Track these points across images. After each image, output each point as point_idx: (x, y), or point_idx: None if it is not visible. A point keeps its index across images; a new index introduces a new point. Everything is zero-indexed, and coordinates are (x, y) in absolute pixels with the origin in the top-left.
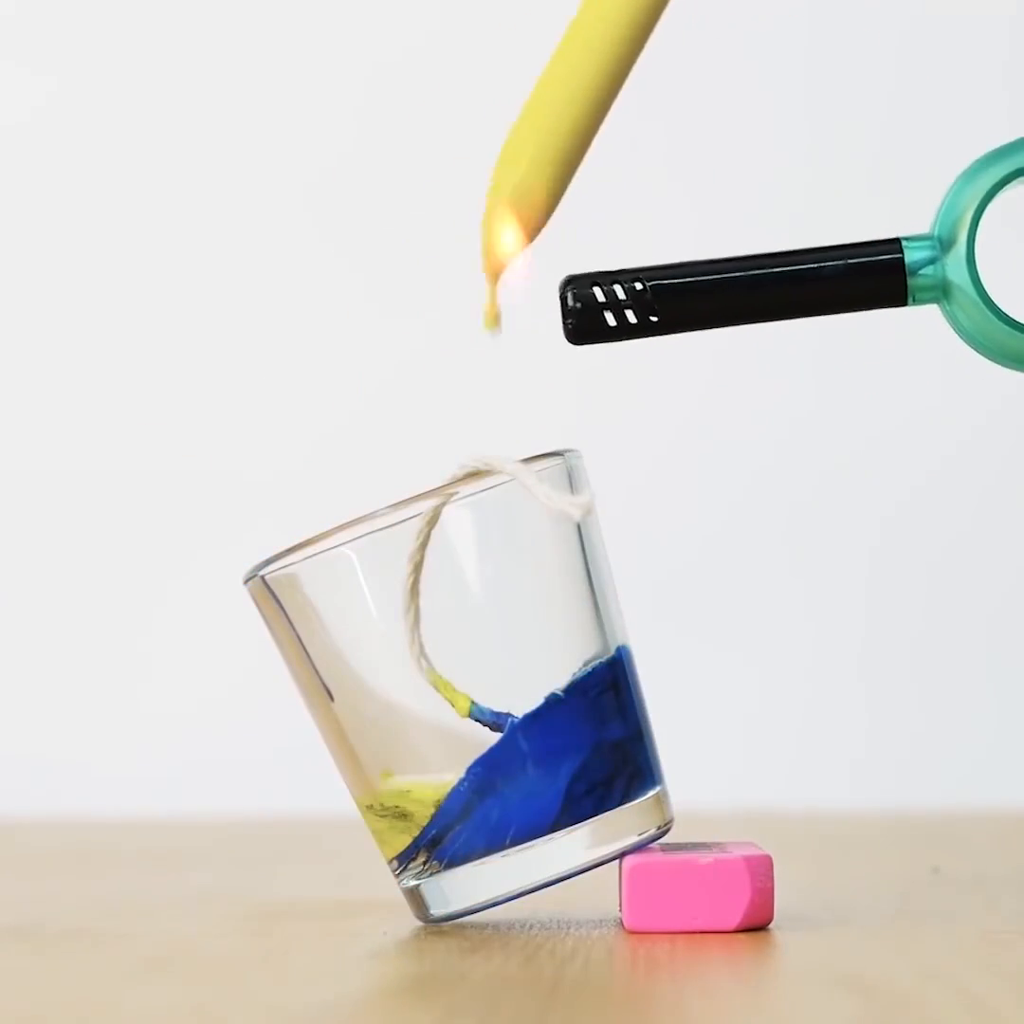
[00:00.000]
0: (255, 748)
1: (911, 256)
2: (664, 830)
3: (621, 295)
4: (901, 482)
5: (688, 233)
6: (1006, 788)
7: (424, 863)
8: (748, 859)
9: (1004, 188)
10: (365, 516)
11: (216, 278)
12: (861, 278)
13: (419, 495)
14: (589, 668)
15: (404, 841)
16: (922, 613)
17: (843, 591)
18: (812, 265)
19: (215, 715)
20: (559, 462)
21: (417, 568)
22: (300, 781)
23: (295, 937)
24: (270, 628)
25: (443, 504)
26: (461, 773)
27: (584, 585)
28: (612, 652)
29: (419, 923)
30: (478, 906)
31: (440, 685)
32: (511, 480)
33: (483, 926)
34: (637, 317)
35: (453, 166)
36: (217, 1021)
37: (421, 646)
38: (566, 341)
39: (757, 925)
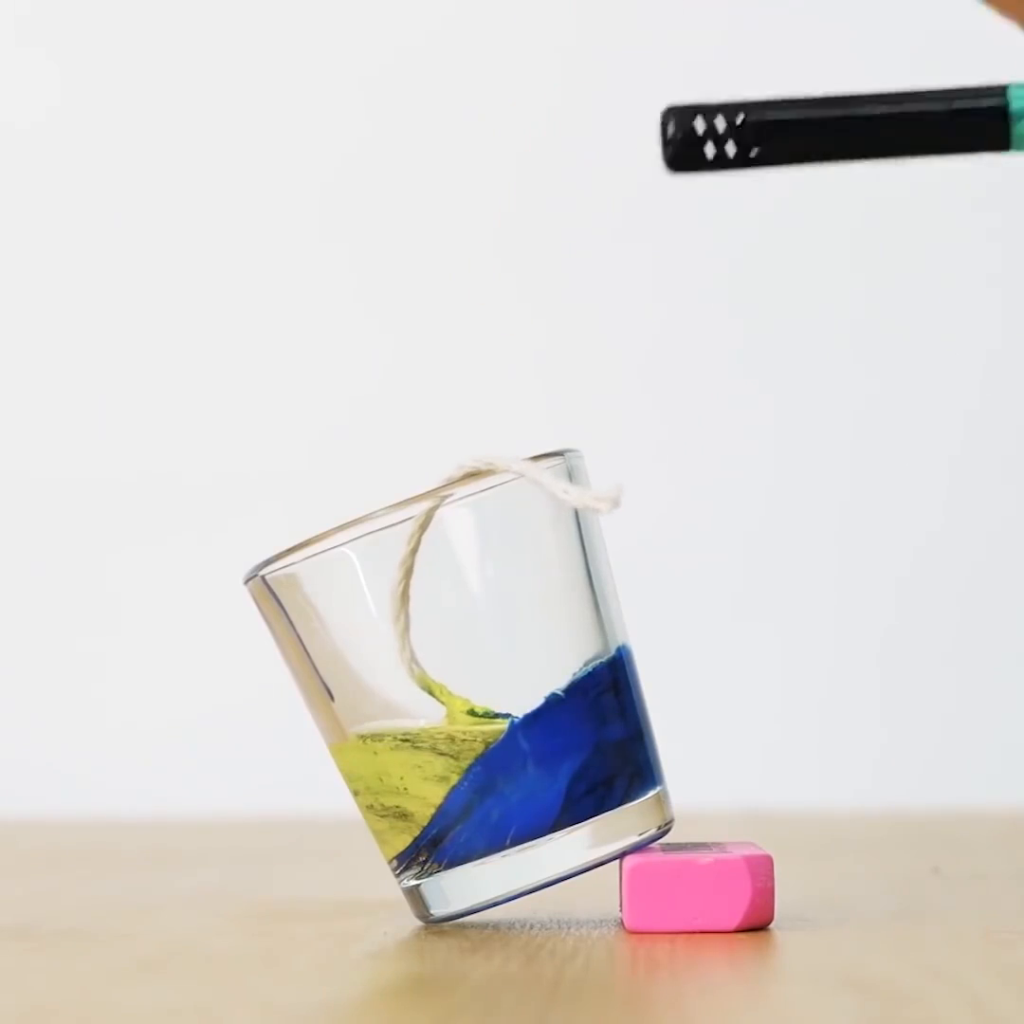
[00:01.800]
0: (255, 748)
1: (1016, 103)
2: (664, 830)
3: (722, 127)
4: (902, 483)
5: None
6: (1006, 788)
7: (424, 863)
8: (748, 859)
9: None
10: (365, 516)
11: (217, 278)
12: (965, 121)
13: (419, 495)
14: (589, 668)
15: (404, 841)
16: (923, 614)
17: (845, 592)
18: (915, 107)
19: (215, 715)
20: (559, 462)
21: (407, 574)
22: (300, 781)
23: (295, 937)
24: (270, 628)
25: (435, 508)
26: (461, 772)
27: (584, 585)
28: (612, 652)
29: (419, 923)
30: (478, 906)
31: (435, 689)
32: (516, 479)
33: (483, 926)
34: (737, 150)
35: (455, 165)
36: (217, 1021)
37: (412, 652)
38: (665, 167)
39: (757, 925)
